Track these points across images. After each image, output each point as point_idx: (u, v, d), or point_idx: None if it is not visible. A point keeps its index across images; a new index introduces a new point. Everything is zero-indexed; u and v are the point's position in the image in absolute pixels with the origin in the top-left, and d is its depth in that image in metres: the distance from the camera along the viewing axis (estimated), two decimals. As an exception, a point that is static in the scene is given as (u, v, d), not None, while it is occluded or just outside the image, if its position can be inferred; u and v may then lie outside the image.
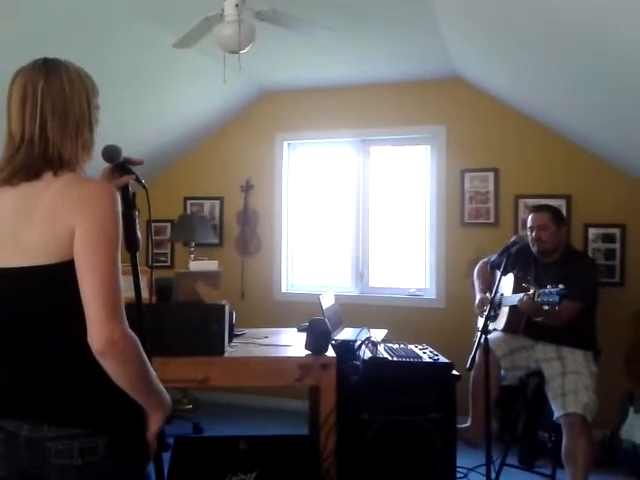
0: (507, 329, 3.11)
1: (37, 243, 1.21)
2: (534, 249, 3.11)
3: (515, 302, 2.93)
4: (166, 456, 1.49)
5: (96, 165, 1.41)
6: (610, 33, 2.30)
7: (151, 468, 1.39)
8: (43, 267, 1.21)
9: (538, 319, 2.93)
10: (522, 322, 3.06)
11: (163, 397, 1.33)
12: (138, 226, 1.41)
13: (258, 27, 2.76)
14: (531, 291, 2.79)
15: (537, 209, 3.20)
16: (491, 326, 3.01)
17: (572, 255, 3.17)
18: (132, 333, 1.22)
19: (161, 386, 1.33)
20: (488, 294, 3.24)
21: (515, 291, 3.03)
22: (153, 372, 1.29)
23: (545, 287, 2.72)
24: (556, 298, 2.62)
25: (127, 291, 1.37)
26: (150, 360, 1.30)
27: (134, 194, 1.43)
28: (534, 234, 3.09)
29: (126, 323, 1.22)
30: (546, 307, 2.68)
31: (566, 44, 2.68)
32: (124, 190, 1.40)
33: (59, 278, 1.22)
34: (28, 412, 1.25)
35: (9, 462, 1.28)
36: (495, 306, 3.02)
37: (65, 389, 1.25)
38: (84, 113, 1.31)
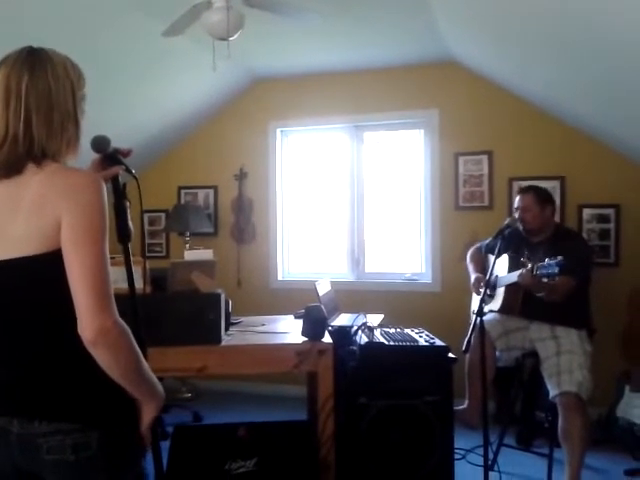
0: (503, 310, 3.13)
1: (23, 234, 1.19)
2: (521, 229, 3.18)
3: (514, 279, 2.95)
4: (165, 445, 1.49)
5: (86, 157, 1.40)
6: (601, 10, 2.28)
7: (149, 458, 1.38)
8: (30, 258, 1.19)
9: (539, 294, 2.94)
10: (518, 302, 3.08)
11: (155, 386, 1.31)
12: (129, 217, 1.40)
13: (247, 13, 2.74)
14: (529, 266, 2.82)
15: (523, 191, 3.28)
16: (487, 308, 3.03)
17: (562, 234, 3.21)
18: (122, 322, 1.21)
19: (153, 376, 1.31)
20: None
21: (511, 270, 3.05)
22: (145, 361, 1.27)
23: (543, 261, 2.75)
24: (555, 269, 2.66)
25: (121, 282, 1.37)
26: (146, 350, 1.29)
27: (124, 184, 1.42)
28: (519, 215, 3.16)
29: (116, 312, 1.20)
30: (545, 279, 2.71)
31: (558, 24, 2.66)
32: (114, 181, 1.39)
33: (46, 269, 1.20)
34: (18, 408, 1.24)
35: (1, 459, 1.27)
36: (490, 288, 3.05)
37: (55, 384, 1.24)
38: (69, 108, 1.28)
